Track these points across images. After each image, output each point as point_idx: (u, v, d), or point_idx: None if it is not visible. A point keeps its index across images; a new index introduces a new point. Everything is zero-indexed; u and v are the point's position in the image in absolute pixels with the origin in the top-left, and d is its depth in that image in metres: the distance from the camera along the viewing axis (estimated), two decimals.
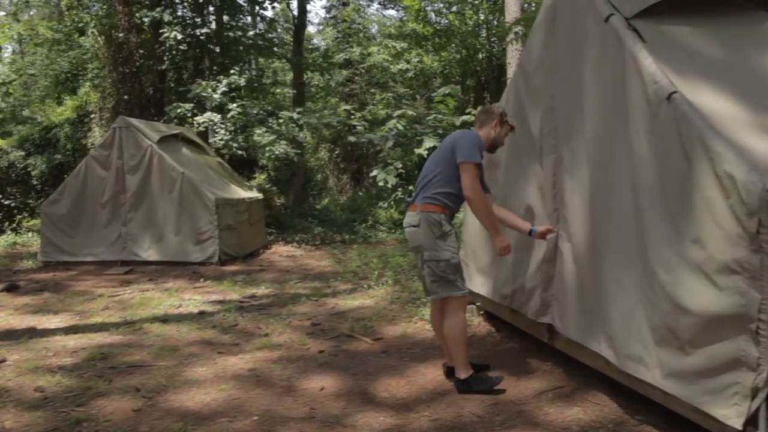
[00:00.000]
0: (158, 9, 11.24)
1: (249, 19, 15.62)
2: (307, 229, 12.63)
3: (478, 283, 4.80)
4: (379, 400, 3.55)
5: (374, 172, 10.53)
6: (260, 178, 19.95)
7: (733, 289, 2.46)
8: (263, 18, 16.34)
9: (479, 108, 3.84)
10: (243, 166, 17.36)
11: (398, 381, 3.84)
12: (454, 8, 20.49)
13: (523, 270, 4.11)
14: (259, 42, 13.23)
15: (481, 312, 5.04)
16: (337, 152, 23.02)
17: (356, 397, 3.60)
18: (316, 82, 22.12)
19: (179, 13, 12.30)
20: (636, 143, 2.97)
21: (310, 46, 24.38)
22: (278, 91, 14.94)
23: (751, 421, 2.44)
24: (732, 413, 2.48)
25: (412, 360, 4.22)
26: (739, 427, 2.44)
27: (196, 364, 4.23)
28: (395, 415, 3.33)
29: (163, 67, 12.24)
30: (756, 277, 2.37)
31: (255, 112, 11.15)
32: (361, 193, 19.09)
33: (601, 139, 3.29)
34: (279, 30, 21.13)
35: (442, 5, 20.78)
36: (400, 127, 10.54)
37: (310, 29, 29.56)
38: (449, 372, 3.84)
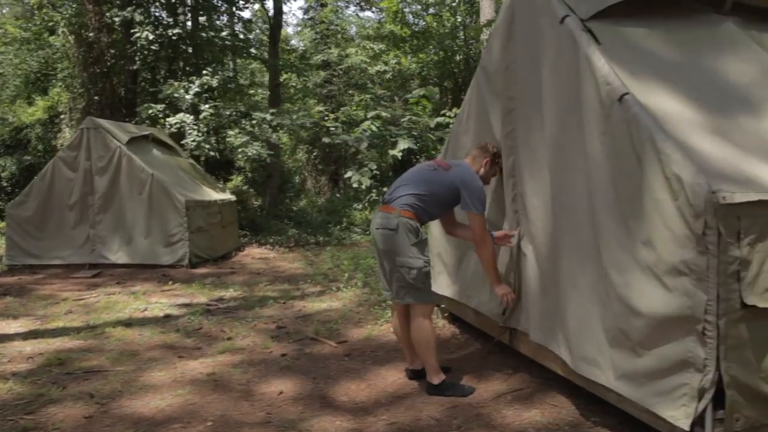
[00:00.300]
0: (129, 8, 11.07)
1: (226, 19, 15.48)
2: (282, 231, 12.55)
3: (442, 285, 4.78)
4: (337, 404, 3.51)
5: (348, 174, 10.48)
6: (237, 179, 19.81)
7: (680, 291, 2.46)
8: (240, 18, 16.23)
9: (476, 144, 3.91)
10: (220, 167, 17.21)
11: (359, 384, 3.80)
12: (431, 10, 20.53)
13: None
14: (234, 42, 13.12)
15: (446, 314, 5.03)
16: (315, 154, 22.93)
17: (315, 401, 3.56)
18: (294, 84, 22.04)
19: (154, 13, 12.15)
20: (590, 145, 2.97)
21: (288, 47, 24.29)
22: (252, 92, 14.77)
23: (698, 421, 2.44)
24: (680, 414, 2.49)
25: (375, 363, 4.19)
26: (687, 428, 2.45)
27: (154, 369, 4.15)
28: (353, 419, 3.29)
29: (135, 67, 12.08)
30: (702, 279, 2.38)
31: (228, 113, 11.03)
32: (338, 195, 19.03)
33: (557, 140, 3.28)
34: (257, 31, 21.03)
35: (419, 7, 20.80)
36: (374, 129, 10.51)
37: (289, 30, 29.51)
38: (412, 375, 3.81)
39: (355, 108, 14.86)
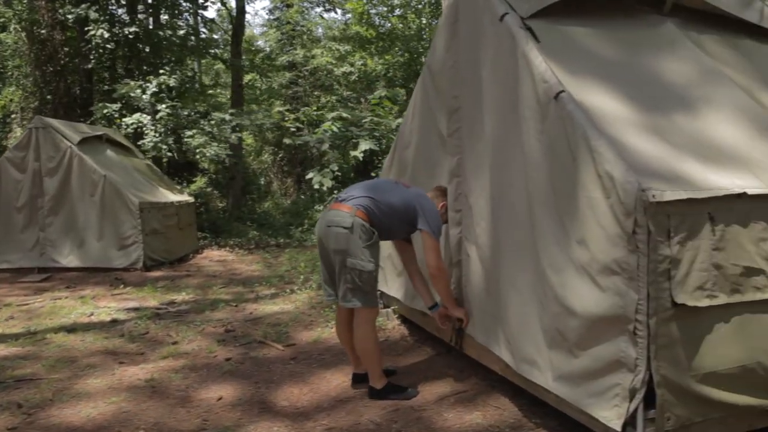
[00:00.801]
0: (83, 6, 10.77)
1: (190, 19, 15.22)
2: (243, 233, 12.38)
3: (394, 287, 4.73)
4: (277, 409, 3.42)
5: (310, 175, 10.37)
6: (201, 181, 19.51)
7: (613, 290, 2.44)
8: (202, 18, 15.99)
9: (435, 186, 3.87)
10: (183, 169, 16.92)
11: (301, 388, 3.71)
12: (397, 12, 20.53)
13: None
14: (193, 42, 12.90)
15: (397, 316, 4.97)
16: (280, 155, 22.72)
17: (254, 406, 3.46)
18: (259, 85, 21.81)
19: (111, 11, 11.85)
20: (528, 143, 2.94)
21: (254, 48, 24.04)
22: (214, 92, 14.55)
23: (630, 421, 2.42)
24: (613, 415, 2.46)
25: (321, 366, 4.10)
26: (619, 428, 2.42)
27: (91, 376, 4.00)
28: (291, 424, 3.20)
29: (90, 66, 11.76)
30: (633, 278, 2.36)
31: (186, 113, 10.82)
32: (303, 197, 18.88)
33: (499, 139, 3.25)
34: (221, 31, 20.78)
35: (385, 9, 20.78)
36: (335, 129, 10.42)
37: (255, 31, 29.20)
38: (356, 379, 3.74)
39: (315, 109, 14.72)
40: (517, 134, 3.04)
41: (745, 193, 2.49)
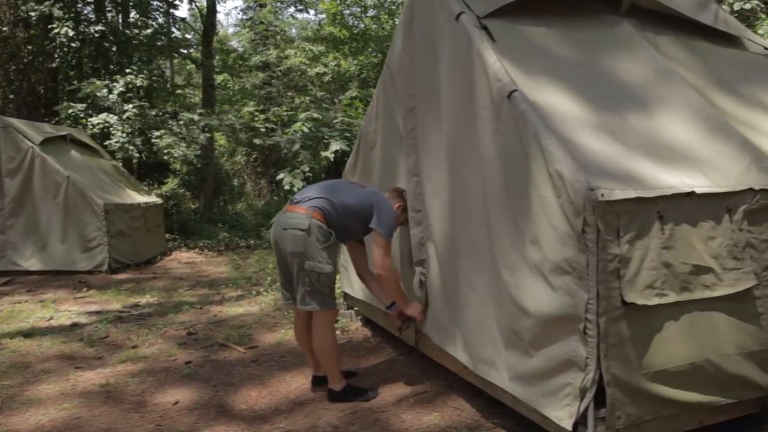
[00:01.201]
0: (47, 3, 10.54)
1: (160, 18, 14.99)
2: (214, 235, 12.23)
3: (356, 288, 4.70)
4: (234, 413, 3.36)
5: (280, 176, 10.26)
6: (173, 182, 19.25)
7: (564, 290, 2.44)
8: (173, 17, 15.78)
9: (392, 188, 3.81)
10: (154, 170, 16.68)
11: (260, 391, 3.66)
12: (370, 12, 20.51)
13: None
14: (164, 42, 12.72)
15: (360, 317, 4.94)
16: (254, 156, 22.55)
17: (211, 410, 3.40)
18: (232, 85, 21.61)
19: (78, 9, 11.61)
20: (483, 143, 2.93)
21: (227, 48, 23.82)
22: (184, 92, 14.36)
23: (581, 420, 2.42)
24: (564, 414, 2.46)
25: (281, 369, 4.05)
26: (570, 428, 2.43)
27: (44, 382, 3.90)
28: (247, 428, 3.15)
29: (55, 65, 11.52)
30: (583, 277, 2.36)
31: (154, 113, 10.65)
32: (276, 198, 18.74)
33: (456, 139, 3.23)
34: (193, 31, 20.54)
35: (358, 9, 20.75)
36: (306, 130, 10.33)
37: (229, 31, 28.95)
38: (315, 381, 3.70)
39: (286, 109, 14.62)
40: (473, 133, 3.03)
41: (693, 192, 2.51)
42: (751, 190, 2.66)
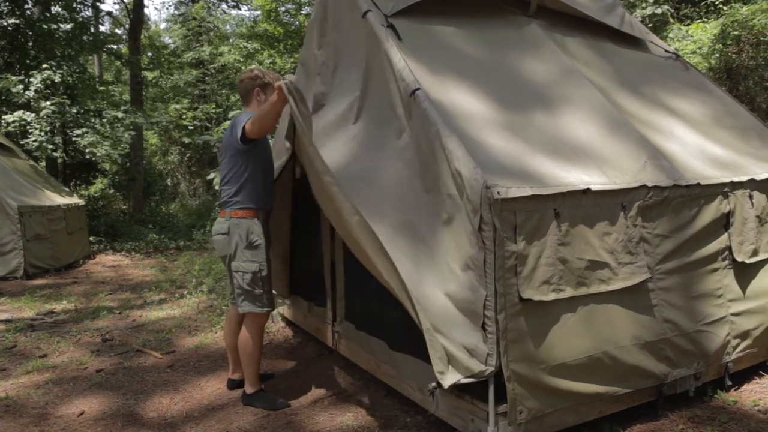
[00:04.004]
0: None
1: (85, 12, 14.36)
2: (143, 237, 11.85)
3: (277, 287, 4.63)
4: (144, 421, 3.25)
5: (211, 175, 10.06)
6: (101, 182, 18.54)
7: (467, 286, 2.47)
8: (99, 11, 15.17)
9: (238, 82, 3.46)
10: (80, 170, 16.02)
11: (173, 398, 3.55)
12: (305, 10, 20.32)
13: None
14: (89, 37, 12.20)
15: (281, 318, 4.87)
16: (188, 155, 22.02)
17: (118, 419, 3.27)
18: (164, 83, 20.99)
19: None
20: (396, 141, 2.92)
21: (158, 44, 23.13)
22: (102, 88, 13.80)
23: (483, 416, 2.45)
24: (449, 377, 2.47)
25: (197, 374, 3.95)
26: (445, 384, 2.42)
27: None
28: None
29: None
30: (481, 274, 2.39)
31: (75, 110, 10.21)
32: (211, 197, 18.35)
33: (369, 138, 3.22)
34: (122, 27, 19.84)
35: (293, 7, 20.52)
36: None
37: (162, 26, 28.13)
38: (231, 385, 3.62)
39: (215, 106, 14.32)
40: (385, 133, 3.02)
41: (589, 189, 2.58)
42: (644, 186, 2.76)
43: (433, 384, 2.48)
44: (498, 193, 2.33)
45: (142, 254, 10.33)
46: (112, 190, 17.95)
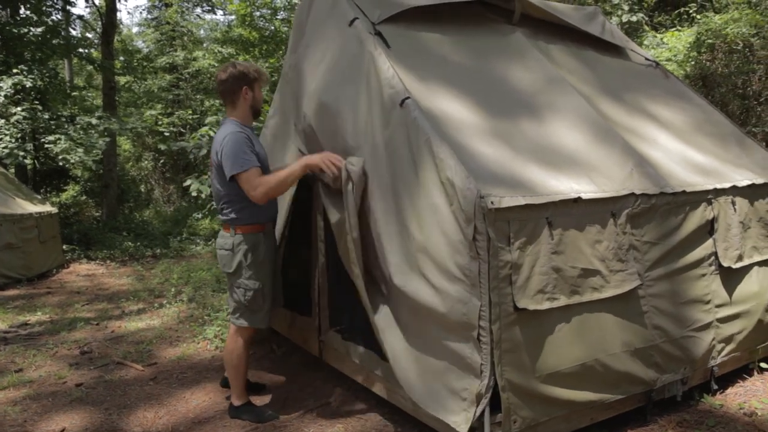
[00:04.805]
0: None
1: (56, 15, 14.05)
2: (117, 245, 11.63)
3: None
4: None
5: (187, 182, 9.90)
6: (73, 189, 18.17)
7: (456, 297, 2.45)
8: (70, 15, 14.86)
9: (218, 82, 3.20)
10: (52, 177, 15.67)
11: (157, 411, 3.48)
12: (280, 15, 20.25)
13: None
14: (60, 41, 11.96)
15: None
16: (162, 161, 21.71)
17: None
18: (137, 88, 20.69)
19: None
20: (378, 148, 2.89)
21: (130, 48, 22.81)
22: (76, 93, 13.54)
23: (478, 426, 2.44)
24: (461, 420, 2.48)
25: (182, 386, 3.87)
26: None
27: None
28: None
29: None
30: (475, 285, 2.38)
31: (47, 116, 9.99)
32: (185, 204, 18.12)
33: (357, 144, 3.19)
34: (93, 31, 19.52)
35: (268, 12, 20.42)
36: (213, 134, 10.02)
37: (134, 30, 27.72)
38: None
39: (192, 112, 14.15)
40: (369, 139, 3.00)
41: (580, 198, 2.59)
42: (632, 194, 2.79)
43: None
44: (492, 202, 2.33)
45: (117, 263, 10.14)
46: (84, 197, 17.61)
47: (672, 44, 7.20)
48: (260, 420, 3.23)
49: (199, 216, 13.17)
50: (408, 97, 2.70)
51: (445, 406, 2.55)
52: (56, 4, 13.24)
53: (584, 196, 2.61)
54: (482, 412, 2.40)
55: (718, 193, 3.16)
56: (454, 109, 2.87)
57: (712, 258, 3.12)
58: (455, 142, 2.63)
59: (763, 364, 3.50)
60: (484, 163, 2.59)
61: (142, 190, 21.48)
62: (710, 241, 3.11)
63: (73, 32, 14.98)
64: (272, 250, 3.32)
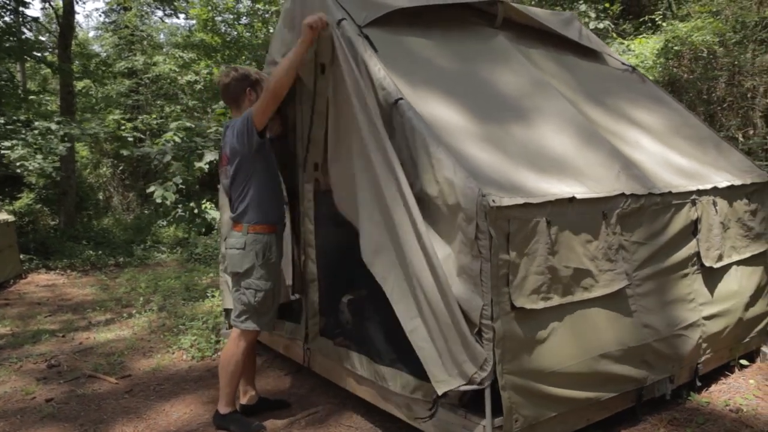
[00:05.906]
0: None
1: (7, 17, 13.56)
2: (78, 254, 11.26)
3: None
4: None
5: (151, 188, 9.68)
6: (28, 197, 17.54)
7: (461, 296, 2.42)
8: (24, 17, 14.38)
9: (222, 86, 3.29)
10: (4, 184, 15.10)
11: (136, 426, 3.34)
12: (243, 20, 20.04)
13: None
14: (12, 43, 11.54)
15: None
16: (121, 168, 21.17)
17: None
18: (95, 92, 20.14)
19: None
20: (371, 153, 2.84)
21: (86, 52, 22.20)
22: (33, 97, 13.10)
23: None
24: (443, 383, 2.46)
25: (160, 398, 3.74)
26: (439, 392, 2.45)
27: None
28: None
29: None
30: (477, 283, 2.37)
31: (2, 121, 9.62)
32: (147, 212, 17.68)
33: (348, 145, 3.13)
34: (48, 33, 18.96)
35: (231, 17, 20.18)
36: (178, 140, 9.83)
37: (91, 34, 27.03)
38: (242, 410, 3.37)
39: (155, 117, 13.86)
40: (358, 142, 2.95)
41: (574, 198, 2.60)
42: (623, 194, 2.81)
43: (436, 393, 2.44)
44: (493, 201, 2.31)
45: (79, 272, 9.81)
46: (39, 205, 17.03)
47: (639, 51, 7.40)
48: (247, 431, 3.13)
49: (164, 223, 12.86)
50: (401, 98, 2.67)
51: (439, 365, 2.48)
52: (8, 4, 12.80)
53: (578, 196, 2.62)
54: (468, 398, 2.37)
55: (700, 194, 3.22)
56: (444, 112, 2.85)
57: (695, 258, 3.17)
58: (448, 144, 2.60)
59: (743, 361, 3.57)
60: (477, 164, 2.57)
61: (101, 197, 20.91)
62: (694, 241, 3.16)
63: (28, 34, 14.51)
64: (281, 254, 3.29)
